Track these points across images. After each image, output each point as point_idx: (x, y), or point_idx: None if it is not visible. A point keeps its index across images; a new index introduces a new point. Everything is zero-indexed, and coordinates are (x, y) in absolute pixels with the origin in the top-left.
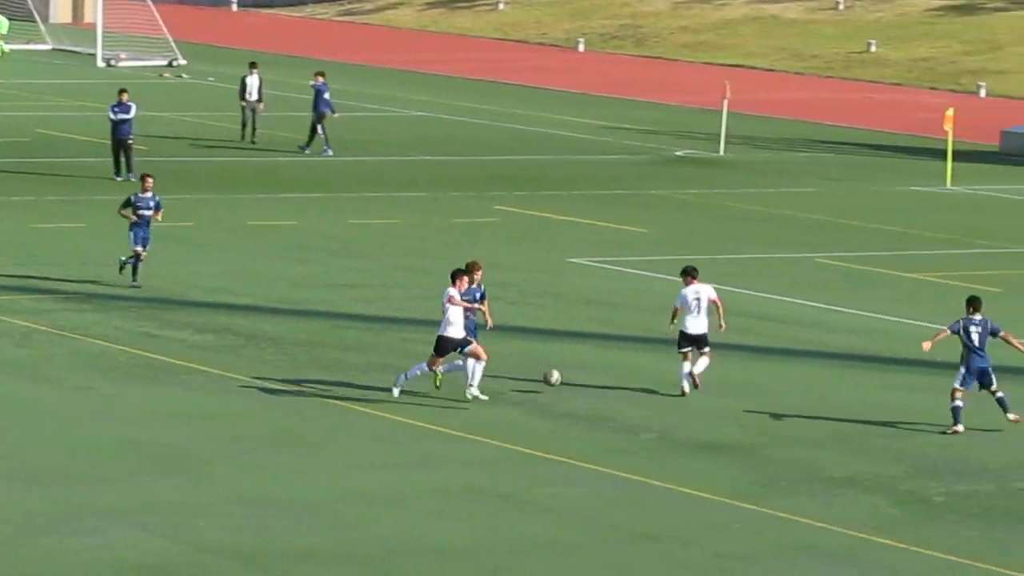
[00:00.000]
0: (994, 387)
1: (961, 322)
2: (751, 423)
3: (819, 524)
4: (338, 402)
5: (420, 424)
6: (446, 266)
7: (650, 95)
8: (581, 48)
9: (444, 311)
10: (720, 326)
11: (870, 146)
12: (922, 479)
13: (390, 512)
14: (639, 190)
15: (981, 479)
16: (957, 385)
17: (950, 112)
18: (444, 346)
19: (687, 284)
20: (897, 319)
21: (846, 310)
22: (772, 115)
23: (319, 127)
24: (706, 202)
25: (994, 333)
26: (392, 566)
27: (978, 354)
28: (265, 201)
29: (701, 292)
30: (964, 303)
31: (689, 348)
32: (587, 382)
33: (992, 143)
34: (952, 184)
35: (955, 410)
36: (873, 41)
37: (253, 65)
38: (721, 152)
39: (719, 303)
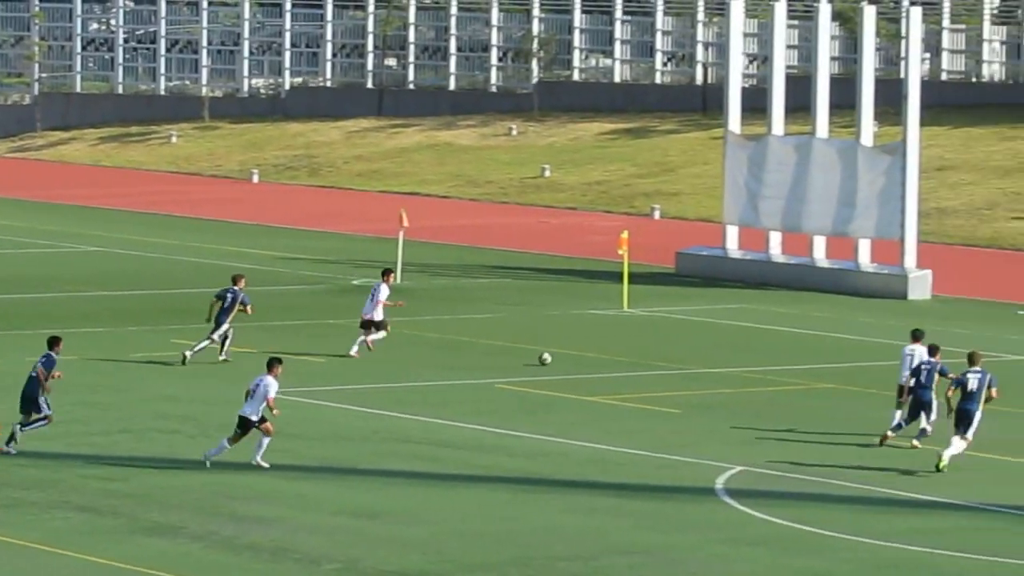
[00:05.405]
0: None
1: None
2: (434, 550)
3: None
4: (29, 544)
5: None
6: (124, 400)
7: (326, 225)
8: (255, 179)
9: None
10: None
11: (547, 271)
12: None
13: None
14: (317, 319)
15: None
16: None
17: (625, 235)
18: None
19: None
20: (576, 442)
21: (525, 434)
22: (449, 242)
23: None
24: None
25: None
26: None
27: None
28: None
29: None
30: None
31: None
32: (268, 514)
33: (668, 265)
34: (629, 307)
35: None
36: (547, 166)
37: None
38: (398, 280)
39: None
